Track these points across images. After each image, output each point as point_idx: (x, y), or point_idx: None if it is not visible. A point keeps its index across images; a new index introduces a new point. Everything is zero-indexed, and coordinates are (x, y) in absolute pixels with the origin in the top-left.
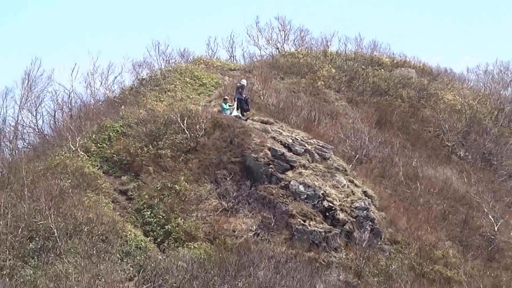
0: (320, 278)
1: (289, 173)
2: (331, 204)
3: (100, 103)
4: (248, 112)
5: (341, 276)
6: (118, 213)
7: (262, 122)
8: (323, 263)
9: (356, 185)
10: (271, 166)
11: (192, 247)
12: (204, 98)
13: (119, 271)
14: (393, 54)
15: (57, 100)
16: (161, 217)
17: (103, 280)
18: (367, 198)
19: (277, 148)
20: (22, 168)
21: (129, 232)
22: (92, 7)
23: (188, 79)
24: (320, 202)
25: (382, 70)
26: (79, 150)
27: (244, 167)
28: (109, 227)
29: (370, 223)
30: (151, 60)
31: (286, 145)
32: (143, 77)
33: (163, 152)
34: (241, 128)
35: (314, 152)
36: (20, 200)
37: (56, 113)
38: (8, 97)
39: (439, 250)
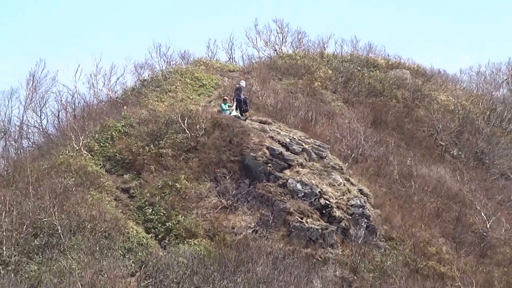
0: (317, 273)
1: (287, 172)
2: (327, 202)
3: (102, 103)
4: (247, 113)
5: (337, 272)
6: (120, 210)
7: (261, 122)
8: (319, 259)
9: (352, 184)
10: (269, 164)
11: (192, 243)
12: (204, 98)
13: (121, 267)
14: (388, 56)
15: (61, 101)
16: (162, 214)
17: (105, 275)
18: (362, 196)
19: (275, 147)
20: (27, 167)
21: (131, 229)
22: (95, 10)
23: (188, 80)
24: (317, 200)
25: (377, 71)
26: (82, 149)
27: (243, 165)
28: (112, 224)
29: (365, 220)
30: (152, 62)
31: (284, 144)
32: (145, 78)
33: (164, 151)
34: (240, 128)
35: (311, 151)
36: (25, 197)
37: (60, 113)
38: (14, 98)
39: (433, 247)
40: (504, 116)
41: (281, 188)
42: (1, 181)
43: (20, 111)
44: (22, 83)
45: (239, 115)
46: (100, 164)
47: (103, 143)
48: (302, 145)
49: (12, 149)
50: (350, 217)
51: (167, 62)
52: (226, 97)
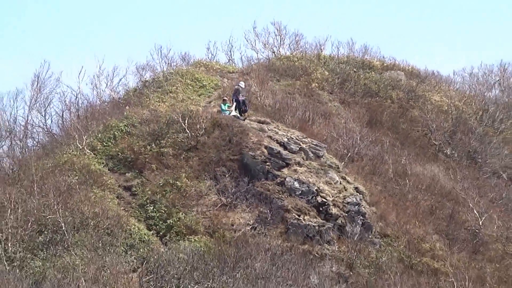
0: (314, 269)
1: (285, 170)
2: (324, 200)
3: (105, 104)
4: (246, 113)
5: (333, 268)
6: (122, 208)
7: (259, 122)
8: (316, 255)
9: (348, 182)
10: (267, 163)
11: (193, 240)
12: (204, 99)
13: (124, 263)
14: (383, 57)
15: (65, 101)
16: (163, 211)
17: (108, 271)
18: (358, 194)
19: (273, 147)
20: (32, 165)
21: (133, 226)
22: (97, 13)
23: (189, 81)
24: (314, 197)
25: (373, 72)
26: (85, 149)
27: (242, 164)
28: (114, 221)
29: (361, 217)
30: (154, 63)
31: (282, 143)
32: (146, 79)
33: (165, 150)
34: (239, 128)
35: (308, 150)
36: (30, 195)
37: (64, 113)
38: (19, 98)
39: (427, 243)
40: (496, 116)
41: (279, 186)
42: (7, 179)
43: (25, 111)
44: (27, 84)
45: (238, 115)
46: (103, 163)
47: (105, 143)
48: (300, 145)
49: (17, 148)
50: (346, 214)
51: (168, 63)
52: (225, 98)
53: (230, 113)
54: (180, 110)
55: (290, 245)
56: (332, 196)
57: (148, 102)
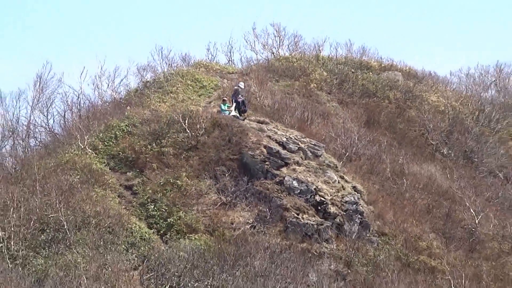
0: (312, 267)
1: (284, 170)
2: (322, 199)
3: (107, 104)
4: (245, 113)
5: (332, 266)
6: (123, 206)
7: (259, 122)
8: (315, 253)
9: (346, 181)
10: (266, 163)
11: (193, 238)
12: (204, 99)
13: (125, 261)
14: (381, 58)
15: (67, 101)
16: (164, 210)
17: (109, 269)
18: (356, 193)
19: (272, 146)
20: (34, 165)
21: (134, 225)
22: (99, 14)
23: (189, 82)
24: (312, 196)
25: (371, 73)
26: (87, 148)
27: (242, 164)
28: (115, 220)
29: (359, 216)
30: (154, 64)
31: (281, 143)
32: (147, 80)
33: (166, 149)
34: (239, 128)
35: (307, 150)
36: (32, 194)
37: (66, 113)
38: (21, 99)
39: (424, 242)
40: (492, 116)
41: (278, 185)
42: (10, 179)
43: (28, 111)
44: (29, 85)
45: (238, 115)
46: (104, 162)
47: (107, 142)
48: (298, 144)
49: (20, 148)
50: (344, 213)
51: (169, 64)
52: (225, 98)
53: (229, 113)
54: (180, 110)
55: (289, 243)
56: (331, 195)
57: (149, 102)
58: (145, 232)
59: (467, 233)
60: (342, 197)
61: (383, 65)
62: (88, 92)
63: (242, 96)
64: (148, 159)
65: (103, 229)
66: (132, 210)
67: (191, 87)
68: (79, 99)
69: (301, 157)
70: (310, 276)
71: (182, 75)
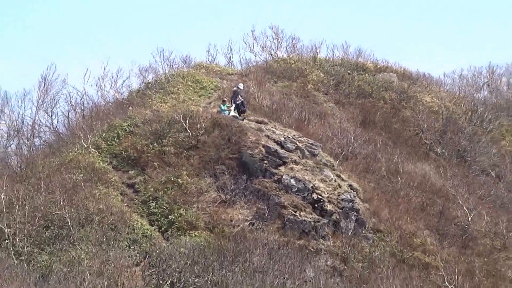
0: (310, 263)
1: (282, 168)
2: (319, 196)
3: (109, 104)
4: (244, 113)
5: (328, 262)
6: (126, 204)
7: (257, 121)
8: (312, 250)
9: (342, 179)
10: (265, 161)
11: (193, 235)
12: (204, 100)
13: (127, 257)
14: (376, 60)
15: (70, 102)
16: (165, 208)
17: (112, 265)
18: (352, 191)
19: (270, 146)
20: (39, 164)
21: (136, 222)
22: (102, 17)
23: (190, 83)
24: (309, 194)
25: (366, 74)
26: (90, 147)
27: (241, 162)
28: (118, 217)
29: (355, 213)
30: (156, 66)
31: (279, 142)
32: (149, 81)
33: (167, 149)
34: (238, 127)
35: (304, 149)
36: (37, 192)
37: (69, 113)
38: (26, 99)
39: (418, 238)
40: (485, 117)
41: (276, 184)
42: (15, 177)
43: (33, 111)
44: (34, 86)
45: (237, 115)
46: (107, 161)
47: (110, 141)
48: (296, 144)
49: (25, 147)
50: (341, 210)
51: (170, 65)
52: (225, 99)
53: (229, 113)
54: (181, 111)
55: (286, 240)
56: (327, 193)
57: (150, 102)
58: (147, 229)
59: (460, 230)
60: (339, 195)
61: (378, 66)
62: (91, 93)
63: (241, 96)
64: (149, 158)
65: (106, 226)
66: (134, 207)
67: (191, 88)
68: (82, 99)
69: (299, 156)
70: (307, 272)
71: (183, 76)
